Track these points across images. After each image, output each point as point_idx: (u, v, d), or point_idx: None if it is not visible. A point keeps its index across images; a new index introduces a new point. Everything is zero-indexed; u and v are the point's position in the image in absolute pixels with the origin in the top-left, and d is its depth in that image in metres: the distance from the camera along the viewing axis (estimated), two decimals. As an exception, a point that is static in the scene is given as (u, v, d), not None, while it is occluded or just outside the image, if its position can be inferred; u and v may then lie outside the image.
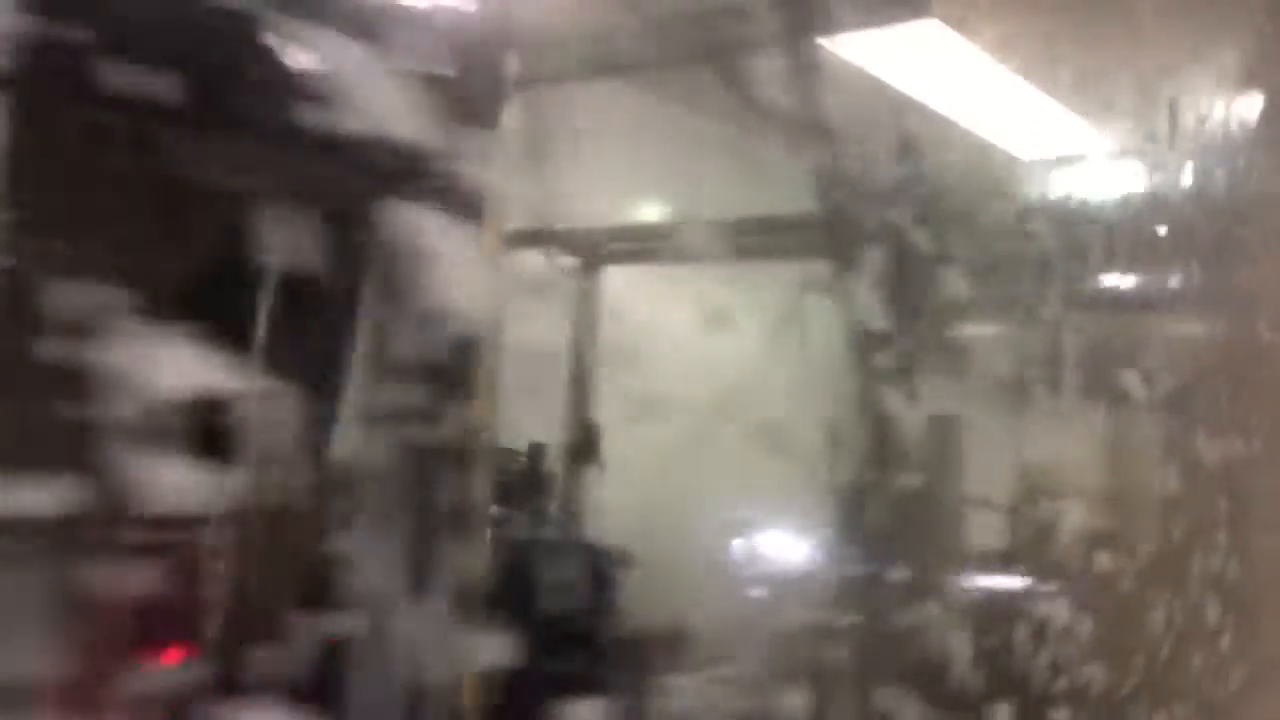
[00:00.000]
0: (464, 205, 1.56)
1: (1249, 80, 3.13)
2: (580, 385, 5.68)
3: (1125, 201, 2.54)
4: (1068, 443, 2.02)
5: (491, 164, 1.49)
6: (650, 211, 5.71)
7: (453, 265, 1.46)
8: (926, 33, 1.95)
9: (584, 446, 5.27)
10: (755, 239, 3.90)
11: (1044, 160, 2.31)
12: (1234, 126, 2.99)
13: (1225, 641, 2.28)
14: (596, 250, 5.34)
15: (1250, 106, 3.16)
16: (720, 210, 3.50)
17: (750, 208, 3.50)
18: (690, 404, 3.64)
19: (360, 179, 1.52)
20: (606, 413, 5.28)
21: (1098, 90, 2.51)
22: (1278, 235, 3.21)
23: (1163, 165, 2.70)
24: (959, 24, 1.69)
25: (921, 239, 1.50)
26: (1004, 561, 2.41)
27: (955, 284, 1.61)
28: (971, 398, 1.64)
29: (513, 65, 1.54)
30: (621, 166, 4.68)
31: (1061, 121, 2.52)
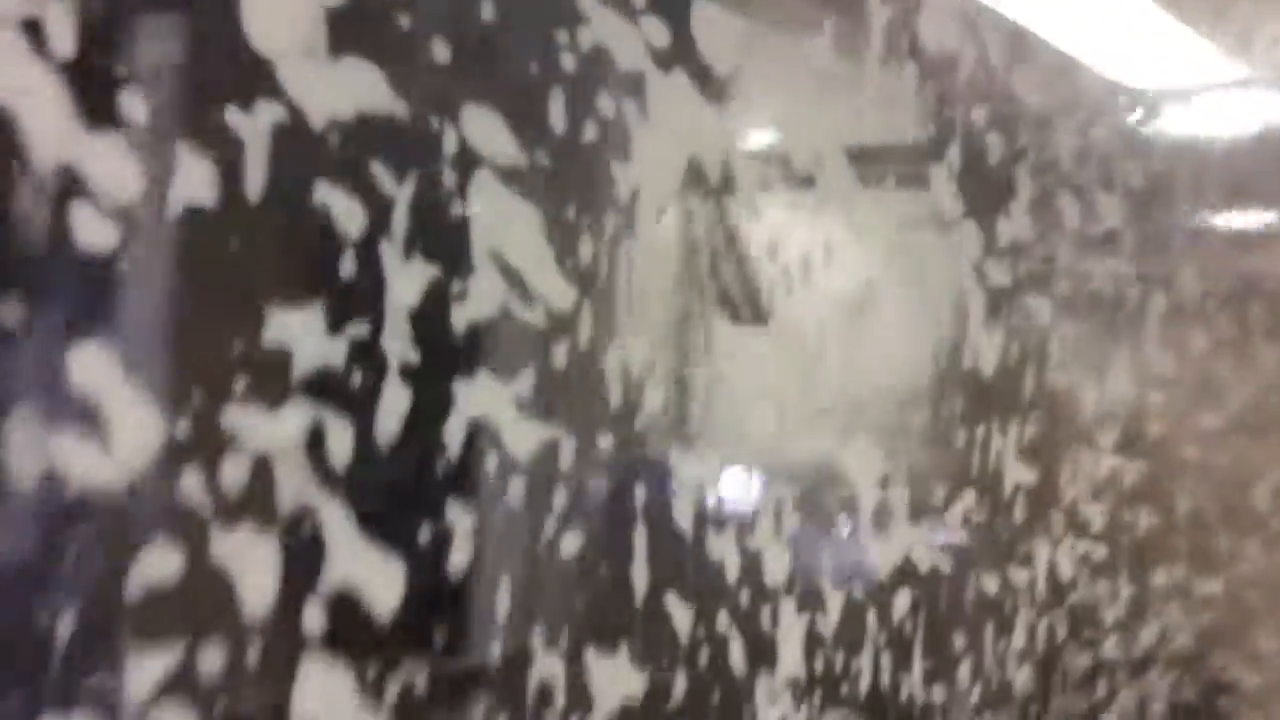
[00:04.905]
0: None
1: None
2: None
3: (1254, 137, 2.37)
4: (1153, 372, 1.94)
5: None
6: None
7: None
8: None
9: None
10: (868, 168, 3.81)
11: (1165, 90, 2.15)
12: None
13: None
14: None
15: None
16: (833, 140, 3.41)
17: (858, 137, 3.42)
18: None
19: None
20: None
21: (1235, 20, 2.34)
22: None
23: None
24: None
25: (1020, 171, 1.41)
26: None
27: (1067, 216, 1.52)
28: (1071, 323, 1.59)
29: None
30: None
31: (1192, 51, 2.39)
